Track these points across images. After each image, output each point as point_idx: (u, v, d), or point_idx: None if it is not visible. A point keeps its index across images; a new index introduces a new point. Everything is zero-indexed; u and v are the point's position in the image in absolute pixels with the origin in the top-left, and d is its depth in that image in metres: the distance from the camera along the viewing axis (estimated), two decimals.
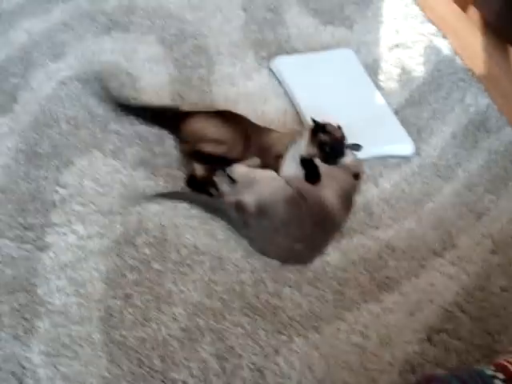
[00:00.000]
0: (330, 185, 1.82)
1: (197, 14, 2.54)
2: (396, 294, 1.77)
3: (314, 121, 1.92)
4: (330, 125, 1.92)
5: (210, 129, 1.97)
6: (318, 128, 1.90)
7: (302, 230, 1.73)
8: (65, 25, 2.43)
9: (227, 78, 2.31)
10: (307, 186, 1.80)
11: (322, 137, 1.88)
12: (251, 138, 1.96)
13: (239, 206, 1.76)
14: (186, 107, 2.14)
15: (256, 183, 1.79)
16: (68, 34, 2.39)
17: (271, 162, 1.91)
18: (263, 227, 1.74)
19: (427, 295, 1.78)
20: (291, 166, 1.86)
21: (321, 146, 1.88)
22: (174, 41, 2.41)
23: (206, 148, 1.93)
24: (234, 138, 1.95)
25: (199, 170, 1.94)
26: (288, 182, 1.80)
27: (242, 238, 1.81)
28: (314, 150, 1.88)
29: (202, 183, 1.92)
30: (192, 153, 1.95)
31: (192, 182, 1.93)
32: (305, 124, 2.12)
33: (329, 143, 1.88)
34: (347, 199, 1.86)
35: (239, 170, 1.88)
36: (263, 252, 1.78)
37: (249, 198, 1.75)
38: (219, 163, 1.94)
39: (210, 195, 1.90)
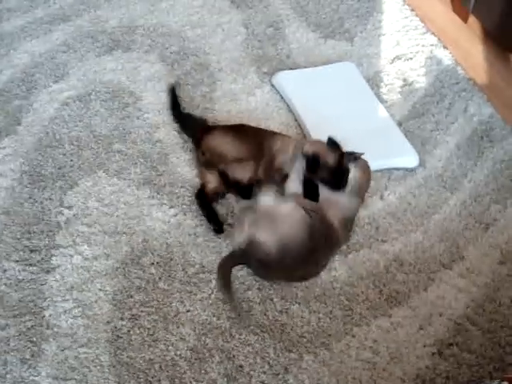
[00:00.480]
0: (334, 208, 1.79)
1: (197, 31, 2.55)
2: (405, 307, 1.75)
3: (307, 157, 1.83)
4: (321, 155, 1.83)
5: (227, 146, 1.95)
6: (314, 165, 1.82)
7: (314, 252, 1.70)
8: (66, 45, 2.44)
9: (229, 94, 2.31)
10: (315, 205, 1.77)
11: (320, 174, 1.81)
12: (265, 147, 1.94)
13: (253, 247, 1.66)
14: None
15: (277, 221, 1.69)
16: (69, 54, 2.41)
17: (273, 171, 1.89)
18: (283, 266, 1.68)
19: (437, 308, 1.76)
20: (295, 182, 1.84)
21: (323, 181, 1.82)
22: (176, 58, 2.42)
23: (231, 171, 1.90)
24: (254, 154, 1.92)
25: (212, 181, 1.93)
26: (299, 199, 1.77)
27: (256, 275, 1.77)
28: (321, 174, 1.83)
29: (210, 197, 1.93)
30: (218, 173, 1.92)
31: (200, 195, 1.93)
32: (308, 136, 2.12)
33: (328, 179, 1.81)
34: (349, 221, 1.84)
35: (266, 199, 1.76)
36: (270, 279, 1.76)
37: (268, 238, 1.66)
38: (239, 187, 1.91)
39: (215, 217, 1.89)
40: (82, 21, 2.56)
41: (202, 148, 1.98)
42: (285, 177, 1.87)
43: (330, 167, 1.81)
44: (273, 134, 2.01)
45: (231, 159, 1.91)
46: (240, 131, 2.01)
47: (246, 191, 1.86)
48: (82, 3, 2.64)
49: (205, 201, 1.92)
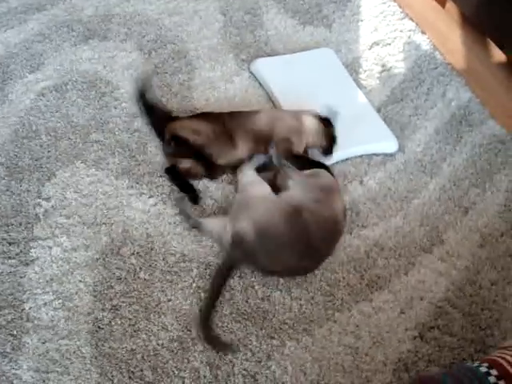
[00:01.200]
0: (338, 196, 1.81)
1: (175, 18, 2.52)
2: (386, 292, 1.77)
3: (325, 118, 2.01)
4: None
5: (188, 123, 1.98)
6: (328, 122, 2.00)
7: (309, 245, 1.69)
8: (41, 35, 2.40)
9: (208, 82, 2.29)
10: (323, 201, 1.77)
11: (332, 131, 1.99)
12: (232, 128, 1.96)
13: (237, 239, 1.68)
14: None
15: (251, 205, 1.72)
16: (45, 44, 2.37)
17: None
18: (267, 249, 1.67)
19: (417, 292, 1.77)
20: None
21: (332, 138, 1.99)
22: (153, 47, 2.39)
23: (182, 133, 1.93)
24: (211, 130, 1.94)
25: (184, 163, 1.93)
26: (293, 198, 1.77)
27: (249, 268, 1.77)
28: (322, 141, 1.99)
29: (183, 173, 1.93)
30: (170, 138, 1.96)
31: (171, 169, 1.94)
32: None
33: (336, 137, 1.99)
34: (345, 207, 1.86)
35: (246, 173, 1.85)
36: (271, 271, 1.74)
37: (245, 225, 1.67)
38: (201, 157, 1.92)
39: (190, 187, 1.91)
40: (58, 10, 2.52)
41: (166, 135, 1.98)
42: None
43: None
44: (244, 112, 2.04)
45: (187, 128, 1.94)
46: (202, 115, 2.03)
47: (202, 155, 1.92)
48: None
49: (176, 174, 1.93)
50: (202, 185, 1.95)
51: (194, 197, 1.90)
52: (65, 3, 2.55)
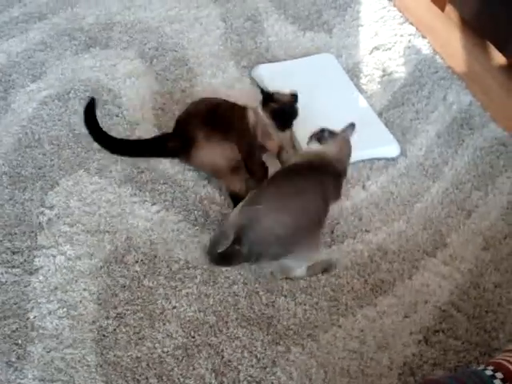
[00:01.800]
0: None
1: (175, 26, 2.54)
2: (390, 296, 1.76)
3: (262, 91, 2.02)
4: (277, 93, 2.02)
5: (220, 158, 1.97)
6: (267, 98, 2.00)
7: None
8: (43, 44, 2.42)
9: (209, 88, 2.30)
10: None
11: (272, 105, 1.99)
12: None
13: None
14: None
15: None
16: (47, 53, 2.39)
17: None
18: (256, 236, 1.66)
19: (422, 296, 1.77)
20: None
21: (272, 114, 1.99)
22: (154, 54, 2.41)
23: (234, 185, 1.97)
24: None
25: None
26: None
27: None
28: (268, 120, 1.99)
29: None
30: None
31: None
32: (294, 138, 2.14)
33: (278, 110, 1.99)
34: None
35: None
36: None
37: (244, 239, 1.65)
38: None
39: None
40: (59, 19, 2.54)
41: (194, 164, 2.02)
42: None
43: (282, 102, 2.00)
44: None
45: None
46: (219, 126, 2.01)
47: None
48: (58, 1, 2.62)
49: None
50: None
51: None
52: (66, 12, 2.57)
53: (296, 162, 1.83)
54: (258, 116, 2.00)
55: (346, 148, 1.90)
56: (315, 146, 1.87)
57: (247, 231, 1.64)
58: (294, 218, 1.67)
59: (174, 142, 1.99)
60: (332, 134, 1.87)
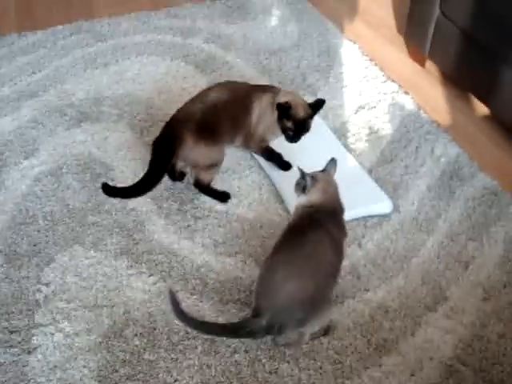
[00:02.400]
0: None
1: (164, 96, 2.60)
2: (395, 355, 1.74)
3: (280, 105, 2.09)
4: (294, 103, 2.10)
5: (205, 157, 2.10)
6: (283, 111, 2.09)
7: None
8: (35, 121, 2.46)
9: None
10: None
11: (285, 123, 2.11)
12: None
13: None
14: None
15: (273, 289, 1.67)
16: (38, 129, 2.42)
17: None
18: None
19: (426, 352, 1.75)
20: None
21: (284, 131, 2.13)
22: (145, 126, 2.45)
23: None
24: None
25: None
26: None
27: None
28: (279, 131, 2.14)
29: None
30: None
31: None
32: (282, 196, 2.16)
33: (290, 129, 2.12)
34: None
35: None
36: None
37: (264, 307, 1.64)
38: None
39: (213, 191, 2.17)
40: (49, 96, 2.59)
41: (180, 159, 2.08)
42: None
43: (296, 120, 2.11)
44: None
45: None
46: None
47: None
48: (48, 79, 2.68)
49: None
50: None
51: (225, 196, 2.16)
52: (56, 89, 2.63)
53: (294, 220, 1.82)
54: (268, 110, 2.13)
55: (330, 187, 1.86)
56: (302, 199, 1.86)
57: (267, 303, 1.63)
58: (312, 279, 1.65)
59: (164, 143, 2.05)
60: (313, 177, 1.84)
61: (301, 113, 2.10)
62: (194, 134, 2.02)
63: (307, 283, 1.64)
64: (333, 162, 1.91)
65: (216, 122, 2.07)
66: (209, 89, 2.19)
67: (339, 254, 1.76)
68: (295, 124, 2.11)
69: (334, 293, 1.85)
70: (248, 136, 2.18)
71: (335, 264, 1.74)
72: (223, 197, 2.17)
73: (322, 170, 1.89)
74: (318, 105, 2.14)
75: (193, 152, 2.04)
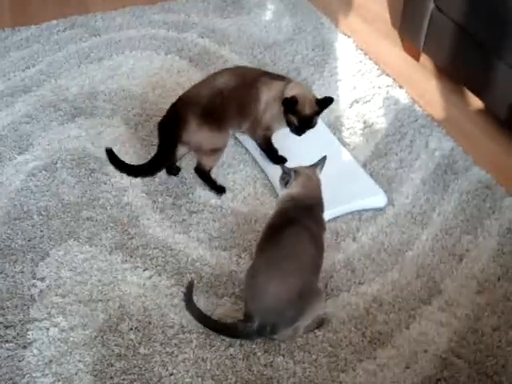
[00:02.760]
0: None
1: (158, 91, 2.59)
2: (389, 348, 1.75)
3: (286, 100, 2.06)
4: (302, 98, 2.07)
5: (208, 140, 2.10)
6: (289, 105, 2.07)
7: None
8: (29, 116, 2.45)
9: None
10: None
11: (290, 117, 2.09)
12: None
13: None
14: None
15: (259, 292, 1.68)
16: (33, 125, 2.41)
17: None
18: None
19: (421, 345, 1.76)
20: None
21: (289, 125, 2.12)
22: (139, 120, 2.45)
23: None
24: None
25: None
26: None
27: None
28: (284, 122, 2.13)
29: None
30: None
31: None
32: (276, 190, 2.15)
33: (295, 124, 2.11)
34: None
35: None
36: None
37: (253, 311, 1.66)
38: None
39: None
40: (44, 91, 2.58)
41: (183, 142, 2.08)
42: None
43: (301, 116, 2.09)
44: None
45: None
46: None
47: None
48: (42, 73, 2.67)
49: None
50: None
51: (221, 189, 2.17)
52: (50, 84, 2.62)
53: (272, 218, 1.82)
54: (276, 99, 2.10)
55: (311, 182, 1.88)
56: (283, 192, 1.88)
57: (255, 306, 1.65)
58: (294, 276, 1.66)
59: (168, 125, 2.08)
60: (296, 172, 1.86)
61: (307, 109, 2.09)
62: (198, 118, 2.04)
63: (290, 281, 1.66)
64: (322, 159, 1.92)
65: (222, 107, 2.08)
66: (218, 73, 2.18)
67: (319, 247, 1.77)
68: (300, 120, 2.10)
69: (324, 285, 1.87)
70: (254, 123, 2.17)
71: (316, 257, 1.75)
72: (219, 189, 2.18)
73: (310, 166, 1.91)
74: (325, 102, 2.12)
75: (196, 135, 2.06)
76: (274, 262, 1.68)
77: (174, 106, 2.11)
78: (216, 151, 2.13)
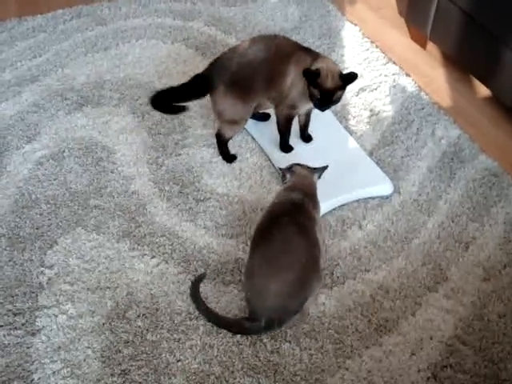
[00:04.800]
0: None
1: (164, 80, 2.59)
2: (395, 334, 1.76)
3: (306, 72, 2.00)
4: (324, 73, 1.99)
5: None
6: (311, 79, 2.00)
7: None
8: (36, 105, 2.46)
9: (201, 139, 2.34)
10: None
11: (312, 90, 2.02)
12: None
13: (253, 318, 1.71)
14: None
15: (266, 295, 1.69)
16: (40, 114, 2.42)
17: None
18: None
19: (426, 332, 1.76)
20: None
21: (311, 98, 2.04)
22: (146, 109, 2.45)
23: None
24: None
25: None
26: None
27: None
28: (307, 97, 2.05)
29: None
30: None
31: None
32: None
33: (317, 97, 2.02)
34: None
35: None
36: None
37: (259, 311, 1.69)
38: None
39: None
40: (50, 80, 2.59)
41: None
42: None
43: (323, 88, 2.00)
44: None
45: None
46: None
47: None
48: (49, 63, 2.67)
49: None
50: None
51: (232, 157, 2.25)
52: (57, 73, 2.62)
53: (265, 212, 1.84)
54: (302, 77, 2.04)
55: (304, 181, 1.89)
56: (279, 189, 1.91)
57: (260, 306, 1.68)
58: (291, 269, 1.68)
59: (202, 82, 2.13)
60: (293, 172, 1.90)
61: (328, 83, 2.00)
62: (225, 85, 2.08)
63: (288, 275, 1.67)
64: (323, 168, 1.94)
65: (250, 79, 2.08)
66: (253, 40, 2.13)
67: (311, 239, 1.75)
68: (321, 93, 2.01)
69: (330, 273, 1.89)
70: (280, 99, 2.14)
71: (309, 249, 1.73)
72: (230, 158, 2.25)
73: (309, 168, 1.92)
74: (349, 78, 2.03)
75: (219, 102, 2.11)
76: (267, 260, 1.69)
77: (211, 64, 2.14)
78: (235, 123, 2.17)
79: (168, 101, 2.17)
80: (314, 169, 1.93)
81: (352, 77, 2.02)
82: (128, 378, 1.63)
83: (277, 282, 1.66)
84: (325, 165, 1.94)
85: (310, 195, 1.86)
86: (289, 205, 1.81)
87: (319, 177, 1.93)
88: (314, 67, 2.01)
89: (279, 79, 2.09)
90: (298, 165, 1.93)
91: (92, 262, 1.90)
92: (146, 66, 2.68)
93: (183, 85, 2.15)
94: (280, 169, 1.90)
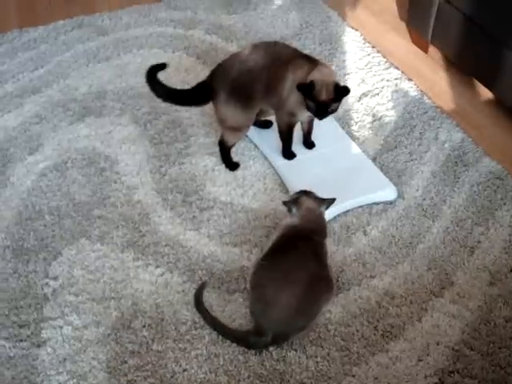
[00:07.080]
0: None
1: None
2: (402, 341, 1.75)
3: (300, 86, 2.01)
4: (318, 86, 1.99)
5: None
6: (305, 92, 2.01)
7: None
8: (38, 117, 2.46)
9: (204, 148, 2.34)
10: None
11: (308, 102, 2.02)
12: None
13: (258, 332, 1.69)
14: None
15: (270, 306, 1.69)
16: (42, 125, 2.43)
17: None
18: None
19: (433, 337, 1.75)
20: None
21: (308, 108, 2.04)
22: (148, 119, 2.45)
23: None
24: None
25: None
26: None
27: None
28: (303, 107, 2.06)
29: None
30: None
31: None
32: (286, 185, 2.16)
33: (312, 108, 2.03)
34: None
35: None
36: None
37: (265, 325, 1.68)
38: None
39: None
40: (52, 91, 2.59)
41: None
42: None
43: (317, 100, 2.00)
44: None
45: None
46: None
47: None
48: (51, 74, 2.68)
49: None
50: None
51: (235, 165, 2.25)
52: (59, 84, 2.63)
53: (276, 237, 1.84)
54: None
55: (311, 215, 1.86)
56: (284, 221, 1.89)
57: (267, 321, 1.67)
58: (301, 285, 1.67)
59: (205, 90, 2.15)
60: (298, 203, 1.85)
61: (323, 95, 2.00)
62: (227, 92, 2.08)
63: (299, 288, 1.67)
64: (331, 201, 1.89)
65: (250, 86, 2.08)
66: (254, 47, 2.13)
67: (323, 260, 1.78)
68: (317, 105, 2.02)
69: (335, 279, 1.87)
70: (280, 106, 2.14)
71: (322, 267, 1.75)
72: (233, 165, 2.25)
73: (316, 198, 1.89)
74: (342, 91, 2.03)
75: (222, 109, 2.12)
76: (279, 273, 1.69)
77: (212, 72, 2.15)
78: (238, 130, 2.18)
79: (165, 91, 2.18)
80: (322, 200, 1.89)
81: (345, 90, 2.03)
82: None
83: (287, 294, 1.65)
84: (333, 197, 1.89)
85: (320, 227, 1.86)
86: (300, 236, 1.80)
87: (326, 209, 1.90)
88: (309, 78, 2.02)
89: (278, 86, 2.09)
90: (305, 193, 1.89)
91: (96, 272, 1.90)
92: None
93: (186, 90, 2.17)
94: (284, 202, 1.88)
